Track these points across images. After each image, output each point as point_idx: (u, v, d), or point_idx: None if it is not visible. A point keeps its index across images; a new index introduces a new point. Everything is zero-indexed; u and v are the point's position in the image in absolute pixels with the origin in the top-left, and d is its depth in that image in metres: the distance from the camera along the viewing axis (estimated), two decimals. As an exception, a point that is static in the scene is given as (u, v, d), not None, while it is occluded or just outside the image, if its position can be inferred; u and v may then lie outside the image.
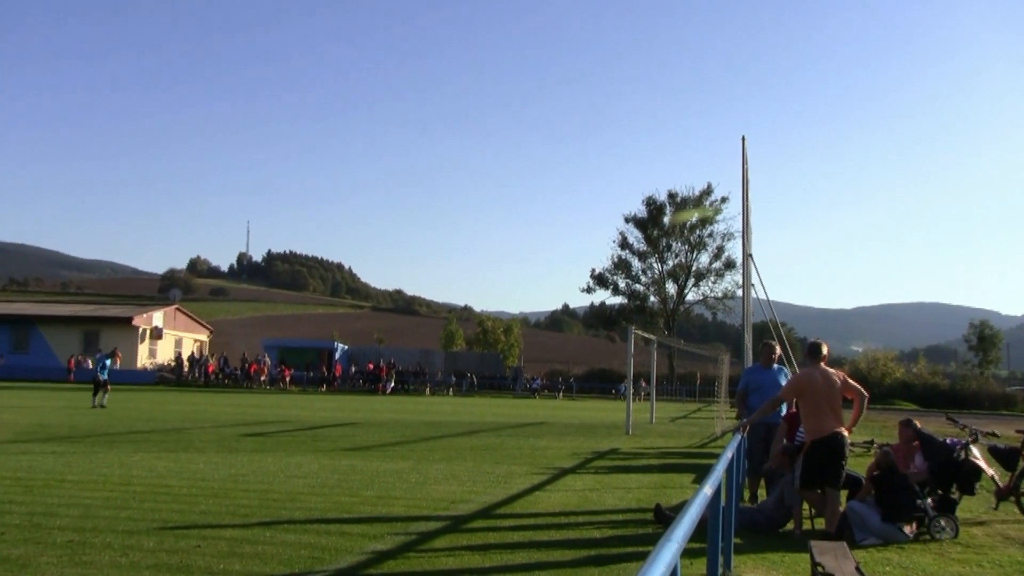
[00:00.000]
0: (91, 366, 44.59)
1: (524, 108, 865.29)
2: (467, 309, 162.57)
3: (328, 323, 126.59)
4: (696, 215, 60.99)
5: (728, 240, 60.06)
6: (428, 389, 48.98)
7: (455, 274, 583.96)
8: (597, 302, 75.28)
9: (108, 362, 24.90)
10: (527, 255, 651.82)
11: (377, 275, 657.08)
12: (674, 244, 61.89)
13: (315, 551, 6.12)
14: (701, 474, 10.21)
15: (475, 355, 60.74)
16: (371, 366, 50.01)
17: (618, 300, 64.03)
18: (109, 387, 24.44)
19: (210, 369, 47.57)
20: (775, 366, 9.78)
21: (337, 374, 49.08)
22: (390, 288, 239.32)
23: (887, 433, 19.71)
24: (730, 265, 59.61)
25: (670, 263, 62.25)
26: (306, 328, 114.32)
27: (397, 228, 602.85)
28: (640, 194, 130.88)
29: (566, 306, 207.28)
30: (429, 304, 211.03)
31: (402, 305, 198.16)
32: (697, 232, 61.33)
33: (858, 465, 10.77)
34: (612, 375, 57.22)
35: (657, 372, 32.61)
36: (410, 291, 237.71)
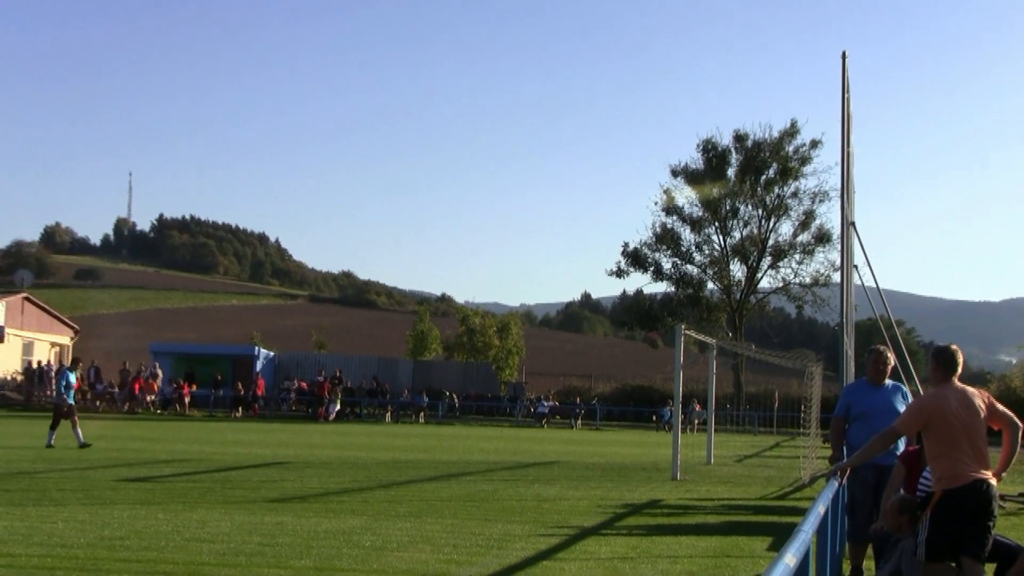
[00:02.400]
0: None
1: (528, 17, 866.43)
2: (445, 300, 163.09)
3: (246, 319, 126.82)
4: (774, 166, 61.01)
5: (820, 202, 60.13)
6: (389, 414, 49.28)
7: (428, 251, 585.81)
8: (631, 290, 75.73)
9: (72, 378, 24.41)
10: (530, 225, 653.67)
11: (317, 252, 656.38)
12: (743, 207, 61.97)
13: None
14: (781, 538, 10.19)
15: (457, 365, 60.94)
16: (304, 384, 50.02)
17: (662, 287, 64.22)
18: (76, 415, 23.68)
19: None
20: (888, 383, 9.77)
21: (259, 392, 49.20)
22: (335, 270, 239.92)
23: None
24: (823, 238, 59.70)
25: (736, 235, 62.35)
26: (214, 327, 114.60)
27: (345, 187, 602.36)
28: (694, 136, 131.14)
29: (587, 296, 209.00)
30: (391, 293, 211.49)
31: (352, 294, 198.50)
32: (776, 191, 61.37)
33: (1011, 528, 10.76)
34: (652, 395, 57.39)
35: (718, 391, 32.70)
36: (363, 274, 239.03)
